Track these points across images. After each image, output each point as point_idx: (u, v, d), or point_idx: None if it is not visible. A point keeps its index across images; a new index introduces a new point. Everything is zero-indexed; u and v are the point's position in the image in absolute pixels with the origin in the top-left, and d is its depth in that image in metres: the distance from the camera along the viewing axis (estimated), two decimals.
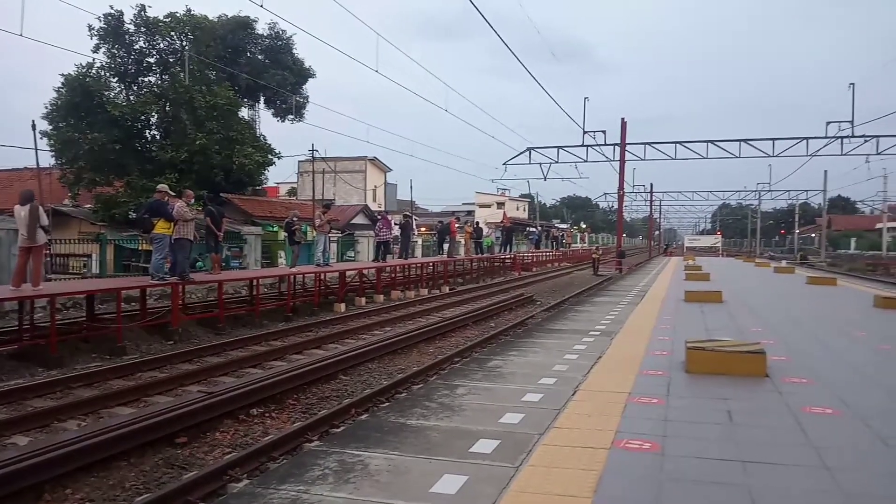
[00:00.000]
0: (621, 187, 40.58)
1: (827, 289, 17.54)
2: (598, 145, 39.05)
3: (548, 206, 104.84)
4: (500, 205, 74.63)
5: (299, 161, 49.51)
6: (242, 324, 14.53)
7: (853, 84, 33.53)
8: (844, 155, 35.91)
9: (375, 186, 54.69)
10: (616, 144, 38.81)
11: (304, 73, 37.36)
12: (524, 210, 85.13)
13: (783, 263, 34.87)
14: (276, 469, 4.14)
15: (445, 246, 29.78)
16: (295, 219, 18.35)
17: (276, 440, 6.42)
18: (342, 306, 17.52)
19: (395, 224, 26.54)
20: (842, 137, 34.43)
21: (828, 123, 34.50)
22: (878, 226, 72.29)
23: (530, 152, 41.61)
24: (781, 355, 6.96)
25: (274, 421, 7.45)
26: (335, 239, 29.00)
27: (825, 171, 62.75)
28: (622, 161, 39.20)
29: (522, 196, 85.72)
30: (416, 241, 36.71)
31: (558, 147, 40.94)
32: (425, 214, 74.01)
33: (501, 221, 49.37)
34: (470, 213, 69.35)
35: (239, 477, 5.36)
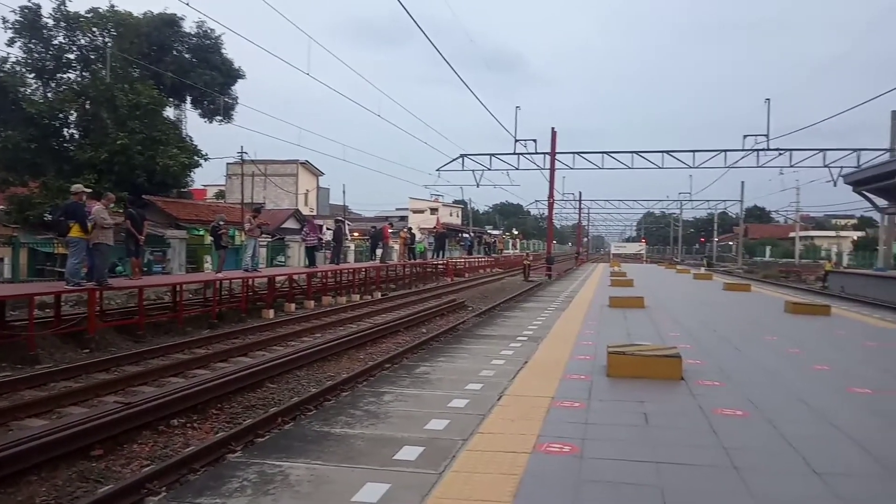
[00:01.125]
0: (551, 195, 41.39)
1: (742, 295, 18.41)
2: (529, 153, 39.79)
3: (481, 212, 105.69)
4: (434, 210, 74.96)
5: (228, 163, 48.35)
6: (164, 331, 14.04)
7: (769, 100, 35.36)
8: (760, 167, 37.83)
9: (307, 190, 53.93)
10: (546, 153, 39.59)
11: (233, 74, 36.50)
12: (457, 216, 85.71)
13: (702, 270, 36.37)
14: (193, 482, 4.04)
15: (378, 251, 29.66)
16: (221, 222, 17.87)
17: (198, 451, 6.25)
18: (271, 312, 17.18)
19: (328, 229, 26.26)
20: (758, 150, 36.24)
21: (745, 137, 36.26)
22: (791, 234, 76.46)
23: (463, 159, 41.99)
24: (697, 359, 7.26)
25: (196, 432, 7.24)
26: (265, 243, 28.42)
27: (742, 182, 65.94)
28: (552, 169, 40.00)
29: (456, 202, 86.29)
30: (349, 247, 36.41)
31: (491, 154, 41.50)
32: (359, 219, 73.47)
33: (434, 227, 49.56)
34: (403, 218, 69.33)
35: (157, 490, 5.18)
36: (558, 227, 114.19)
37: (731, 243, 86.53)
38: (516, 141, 38.68)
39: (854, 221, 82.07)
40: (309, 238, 22.26)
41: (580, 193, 73.52)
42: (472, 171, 42.27)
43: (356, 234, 50.73)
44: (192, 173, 34.30)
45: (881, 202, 35.47)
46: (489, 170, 41.95)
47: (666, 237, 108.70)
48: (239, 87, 37.99)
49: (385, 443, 4.17)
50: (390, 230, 32.22)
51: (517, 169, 41.34)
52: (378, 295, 24.05)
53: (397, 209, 79.93)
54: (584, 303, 14.99)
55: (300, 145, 62.95)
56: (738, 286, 20.79)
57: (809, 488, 3.47)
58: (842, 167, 36.35)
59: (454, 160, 41.45)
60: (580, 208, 74.49)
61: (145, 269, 19.40)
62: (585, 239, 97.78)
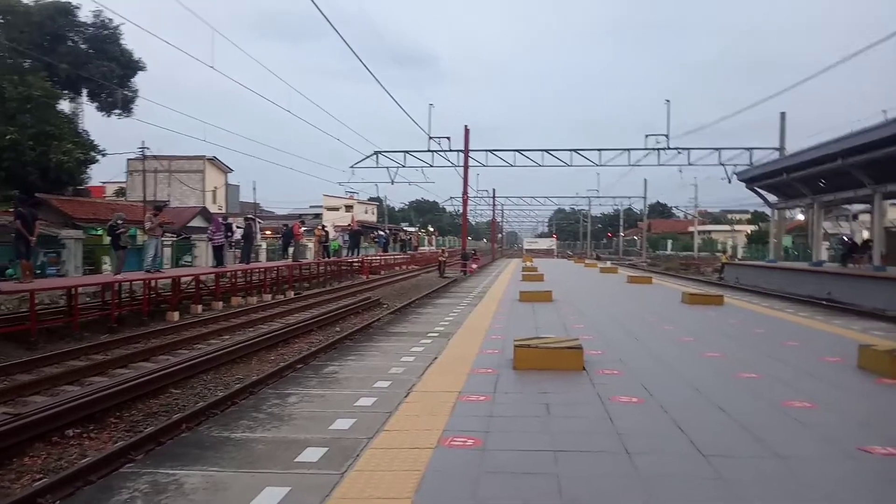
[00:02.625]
0: (465, 192, 41.85)
1: (644, 287, 19.25)
2: (443, 151, 40.08)
3: (396, 209, 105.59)
4: (349, 208, 74.19)
5: (129, 159, 46.05)
6: (59, 337, 13.25)
7: (668, 101, 37.08)
8: (661, 165, 39.62)
9: (216, 188, 52.14)
10: (460, 150, 39.99)
11: (132, 66, 34.86)
12: (373, 213, 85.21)
13: (608, 263, 37.76)
14: (80, 495, 3.84)
15: (290, 249, 29.09)
16: (120, 221, 17.02)
17: (94, 462, 5.94)
18: (175, 315, 16.53)
19: (238, 227, 25.49)
20: (659, 149, 37.95)
21: (647, 136, 37.90)
22: (691, 229, 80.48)
23: (378, 156, 41.83)
24: (598, 349, 7.54)
25: (93, 442, 6.90)
26: (169, 243, 27.29)
27: (645, 180, 68.85)
28: (466, 167, 40.42)
29: (371, 199, 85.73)
30: (261, 245, 35.51)
31: (405, 152, 41.54)
32: (271, 217, 71.81)
33: (349, 224, 49.07)
34: (317, 216, 68.30)
35: None
36: (473, 223, 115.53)
37: (636, 238, 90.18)
38: (430, 139, 38.88)
39: (748, 216, 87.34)
40: (215, 237, 21.53)
41: (494, 190, 74.65)
42: (387, 168, 42.21)
43: (268, 232, 49.56)
44: (88, 170, 32.56)
45: (772, 198, 37.92)
46: (404, 167, 42.00)
47: (576, 233, 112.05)
48: (140, 80, 36.26)
49: (287, 445, 4.10)
50: (303, 228, 31.63)
51: (432, 166, 41.59)
52: (291, 294, 23.59)
53: (311, 207, 78.61)
54: (495, 298, 15.25)
55: (206, 141, 60.65)
56: (640, 279, 21.71)
57: (695, 469, 3.68)
58: (736, 165, 38.59)
59: (368, 157, 41.24)
60: (494, 205, 75.65)
61: (38, 271, 18.20)
62: (500, 235, 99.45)
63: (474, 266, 35.88)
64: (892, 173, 22.91)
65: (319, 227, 32.27)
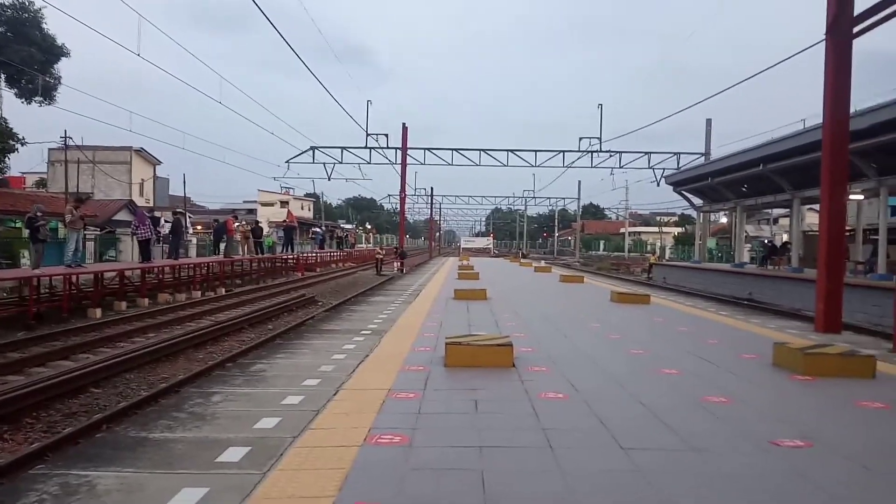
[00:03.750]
0: (403, 189, 41.81)
1: (576, 286, 19.66)
2: (381, 148, 39.90)
3: (333, 206, 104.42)
4: (284, 203, 72.87)
5: (50, 149, 43.91)
6: None
7: (601, 105, 37.98)
8: (594, 167, 40.60)
9: (143, 180, 50.28)
10: (398, 148, 39.93)
11: (55, 51, 33.18)
12: (309, 210, 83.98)
13: (542, 263, 38.42)
14: None
15: (222, 245, 28.34)
16: (38, 213, 16.21)
17: (5, 466, 5.64)
18: (98, 312, 15.87)
19: (166, 222, 24.67)
20: (592, 152, 38.83)
21: (580, 139, 38.74)
22: (622, 230, 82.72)
23: (314, 151, 41.27)
24: (529, 347, 7.66)
25: (7, 443, 6.55)
26: (92, 237, 26.16)
27: (579, 182, 70.38)
28: (404, 164, 40.35)
29: (307, 195, 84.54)
30: (191, 241, 34.47)
31: (342, 147, 41.15)
32: (202, 212, 69.81)
33: (285, 220, 48.28)
34: (252, 211, 66.78)
35: None
36: (411, 221, 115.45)
37: (569, 238, 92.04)
38: (368, 135, 38.63)
39: (675, 218, 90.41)
40: (139, 230, 20.76)
41: (432, 189, 74.90)
42: (324, 163, 41.72)
43: (199, 227, 48.17)
44: (6, 159, 30.83)
45: (697, 201, 39.40)
46: (341, 163, 41.62)
47: (513, 232, 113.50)
48: (63, 67, 34.57)
49: (208, 445, 4.00)
50: (236, 224, 30.88)
51: (369, 163, 41.39)
52: (222, 291, 23.00)
53: (245, 202, 76.84)
54: (430, 296, 15.28)
55: (134, 132, 58.26)
56: (573, 278, 22.17)
57: (614, 462, 3.78)
58: (664, 169, 39.90)
59: (304, 152, 40.67)
60: (431, 203, 75.81)
61: None
62: (438, 234, 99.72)
63: (396, 264, 36.12)
64: (809, 179, 24.15)
65: (243, 223, 31.38)
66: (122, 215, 40.35)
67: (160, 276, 20.97)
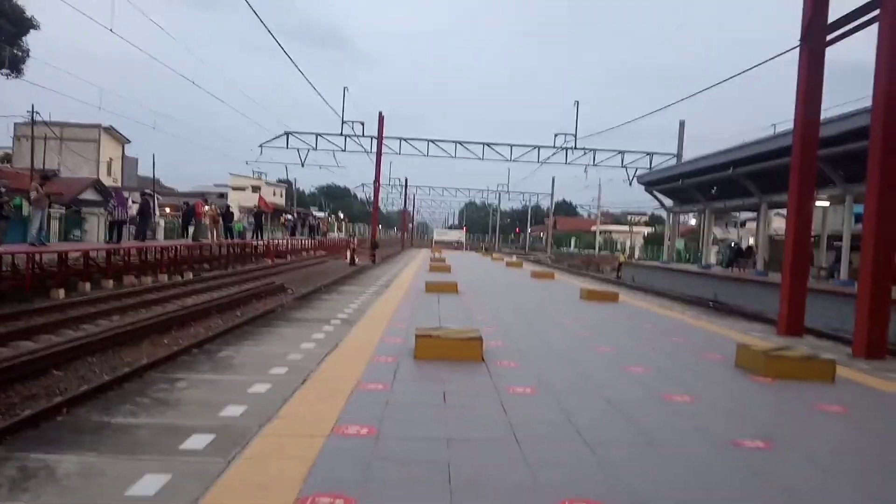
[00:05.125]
0: (377, 179, 41.59)
1: (547, 282, 19.81)
2: (356, 136, 39.64)
3: (306, 193, 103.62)
4: (256, 189, 72.08)
5: (16, 123, 42.75)
6: None
7: (577, 102, 38.19)
8: (569, 164, 40.83)
9: (111, 159, 49.27)
10: (373, 137, 39.69)
11: (24, 24, 32.32)
12: (281, 196, 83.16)
13: (513, 258, 38.60)
14: None
15: (191, 229, 27.96)
16: (2, 189, 15.82)
17: None
18: (61, 292, 15.55)
19: (134, 203, 24.22)
20: (566, 148, 39.05)
21: (556, 135, 38.93)
22: (593, 228, 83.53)
23: (288, 137, 40.86)
24: (498, 341, 7.70)
25: None
26: (57, 216, 25.58)
27: (553, 178, 70.80)
28: (379, 153, 40.13)
29: (280, 181, 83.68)
30: (159, 223, 33.91)
31: (317, 134, 40.81)
32: (172, 194, 68.59)
33: (256, 205, 47.74)
34: (223, 195, 65.92)
35: None
36: (384, 212, 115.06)
37: (542, 234, 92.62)
38: (343, 122, 38.36)
39: (646, 218, 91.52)
40: (116, 211, 20.42)
41: (406, 179, 74.69)
42: (297, 150, 41.32)
43: (168, 209, 47.36)
44: None
45: (668, 202, 39.92)
46: (315, 150, 41.26)
47: (486, 226, 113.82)
48: (31, 40, 33.64)
49: (172, 432, 3.94)
50: (205, 207, 30.43)
51: (344, 151, 41.11)
52: (189, 276, 22.69)
53: (216, 185, 75.82)
54: (402, 287, 15.27)
55: (103, 108, 56.79)
56: (544, 274, 22.32)
57: (578, 456, 3.82)
58: (637, 168, 40.29)
59: (278, 137, 40.24)
60: (406, 194, 75.64)
61: None
62: (411, 225, 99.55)
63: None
64: (777, 184, 24.61)
65: (212, 205, 30.92)
66: (89, 194, 39.50)
67: (127, 258, 20.59)
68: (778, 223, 38.23)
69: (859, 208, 26.86)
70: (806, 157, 11.51)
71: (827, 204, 26.16)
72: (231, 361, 6.18)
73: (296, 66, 20.00)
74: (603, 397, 5.33)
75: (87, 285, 17.16)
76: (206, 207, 29.51)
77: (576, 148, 38.98)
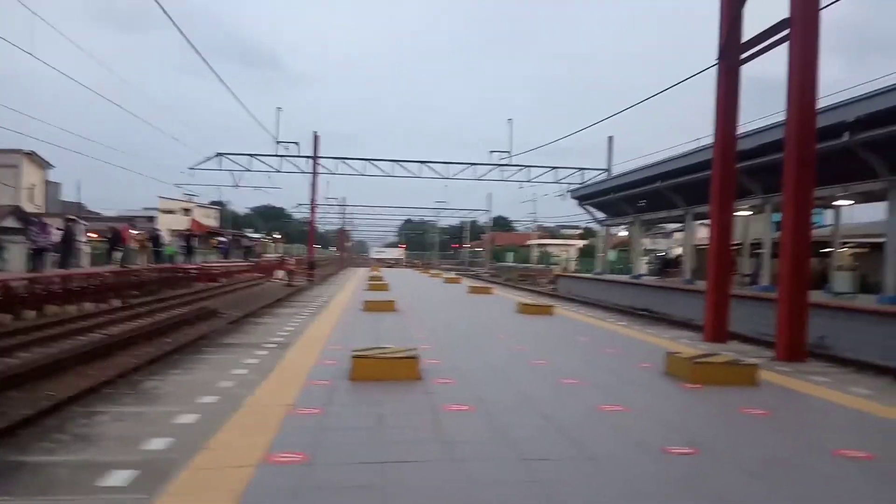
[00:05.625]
0: (313, 199, 41.18)
1: (484, 297, 19.95)
2: (291, 156, 39.16)
3: (241, 214, 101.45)
4: (187, 211, 70.12)
5: None
6: None
7: (511, 119, 38.88)
8: (504, 180, 41.41)
9: (33, 185, 47.04)
10: (309, 157, 39.34)
11: None
12: (215, 218, 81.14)
13: (451, 274, 38.77)
14: None
15: (118, 255, 26.94)
16: None
17: None
18: None
19: (58, 229, 23.18)
20: (502, 165, 39.63)
21: (491, 152, 39.46)
22: (529, 242, 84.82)
23: (221, 158, 40.02)
24: (436, 359, 7.67)
25: None
26: None
27: (490, 194, 71.64)
28: (314, 173, 39.78)
29: (213, 203, 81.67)
30: (84, 249, 32.49)
31: (250, 155, 40.10)
32: (97, 219, 65.92)
33: (187, 229, 46.43)
34: (151, 219, 63.81)
35: None
36: (322, 231, 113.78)
37: (479, 249, 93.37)
38: (278, 143, 37.88)
39: (580, 231, 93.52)
40: (40, 238, 19.49)
41: (343, 198, 74.19)
42: (230, 171, 40.50)
43: (93, 235, 45.47)
44: None
45: (600, 215, 40.95)
46: (248, 171, 40.52)
47: (424, 243, 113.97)
48: None
49: (91, 469, 3.76)
50: (133, 232, 29.40)
51: (279, 171, 40.49)
52: (117, 303, 21.79)
53: (145, 209, 73.31)
54: (339, 307, 15.08)
55: (23, 133, 54.14)
56: (481, 289, 22.48)
57: (514, 474, 3.83)
58: (570, 183, 41.20)
59: (210, 159, 39.37)
60: (343, 213, 75.09)
61: None
62: (349, 244, 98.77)
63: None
64: (701, 196, 25.56)
65: (140, 231, 30.03)
66: (9, 222, 37.53)
67: (49, 286, 19.62)
68: (703, 233, 39.74)
69: (778, 217, 28.26)
70: (725, 170, 12.04)
71: (748, 213, 27.37)
72: (157, 392, 5.95)
73: (225, 85, 19.67)
74: (539, 412, 5.38)
75: (8, 317, 16.25)
76: (134, 232, 28.52)
77: (510, 164, 39.60)
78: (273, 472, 3.75)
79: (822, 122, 12.94)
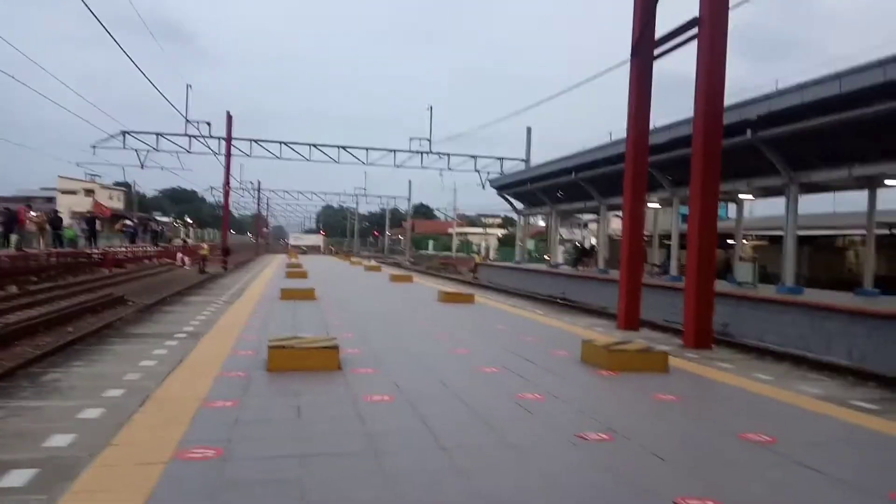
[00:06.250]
0: (227, 182, 39.88)
1: (405, 285, 19.92)
2: (202, 137, 37.73)
3: (148, 196, 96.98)
4: (89, 192, 66.45)
5: None
6: None
7: (431, 107, 38.85)
8: (424, 168, 41.39)
9: None
10: (221, 138, 38.02)
11: None
12: (119, 200, 77.25)
13: (372, 262, 38.53)
14: None
15: (13, 237, 25.22)
16: None
17: None
18: None
19: None
20: (422, 152, 39.58)
21: (411, 139, 39.35)
22: (450, 231, 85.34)
23: (125, 136, 38.09)
24: (356, 348, 7.60)
25: None
26: None
27: (410, 181, 71.55)
28: (228, 155, 38.51)
29: (118, 184, 77.70)
30: None
31: (158, 134, 38.37)
32: None
33: (90, 210, 44.04)
34: (50, 199, 60.13)
35: None
36: (237, 216, 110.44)
37: (400, 237, 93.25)
38: (188, 122, 36.41)
39: (500, 220, 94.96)
40: None
41: (259, 182, 72.21)
42: (136, 150, 38.63)
43: None
44: None
45: (519, 205, 41.65)
46: (156, 150, 38.77)
47: (344, 229, 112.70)
48: None
49: None
50: (31, 213, 27.57)
51: (189, 152, 38.96)
52: (13, 289, 20.41)
53: (43, 189, 69.01)
54: (255, 295, 14.69)
55: None
56: (402, 277, 22.44)
57: (434, 463, 3.83)
58: (489, 172, 41.66)
59: (114, 137, 37.39)
60: (259, 197, 73.18)
61: None
62: (266, 229, 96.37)
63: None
64: (614, 188, 26.44)
65: (38, 213, 28.20)
66: None
67: None
68: (616, 224, 41.14)
69: (686, 209, 29.69)
70: (638, 163, 12.45)
71: (658, 206, 28.51)
72: (58, 385, 5.60)
73: (130, 58, 18.58)
74: (460, 401, 5.41)
75: None
76: (32, 213, 26.77)
77: (430, 152, 39.61)
78: (185, 468, 3.60)
79: (727, 119, 13.59)
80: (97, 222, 36.60)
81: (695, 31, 10.65)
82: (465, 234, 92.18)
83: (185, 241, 44.00)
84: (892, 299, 17.88)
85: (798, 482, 3.75)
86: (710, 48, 10.17)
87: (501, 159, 41.01)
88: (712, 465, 4.09)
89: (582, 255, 34.22)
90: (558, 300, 24.79)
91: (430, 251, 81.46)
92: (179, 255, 35.32)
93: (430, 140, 39.02)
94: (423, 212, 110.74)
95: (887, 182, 18.52)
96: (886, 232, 26.23)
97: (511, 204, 42.10)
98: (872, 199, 19.70)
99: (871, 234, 19.91)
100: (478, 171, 41.31)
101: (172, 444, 3.96)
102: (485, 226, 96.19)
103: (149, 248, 43.74)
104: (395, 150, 40.35)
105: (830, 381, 8.78)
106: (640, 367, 6.94)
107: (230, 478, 3.47)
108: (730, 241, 27.99)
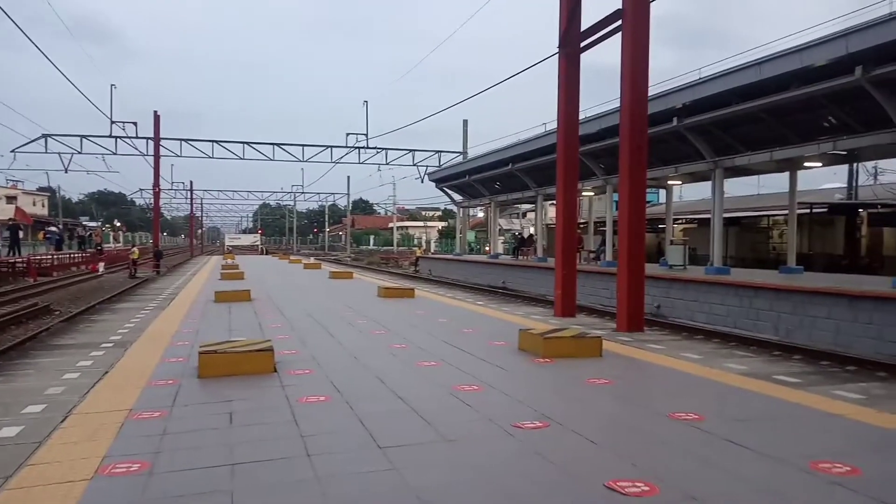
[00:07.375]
0: (156, 183, 38.67)
1: (345, 282, 19.72)
2: (128, 137, 36.44)
3: (74, 201, 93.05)
4: (11, 199, 63.25)
5: None
6: None
7: (367, 102, 38.55)
8: (362, 163, 41.09)
9: None
10: (149, 138, 36.82)
11: None
12: (43, 206, 73.82)
13: (311, 259, 38.01)
14: None
15: None
16: None
17: None
18: None
19: None
20: (359, 148, 39.25)
21: (347, 135, 38.96)
22: (391, 225, 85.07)
23: (47, 140, 36.44)
24: (292, 349, 7.47)
25: None
26: None
27: (348, 177, 70.93)
28: (156, 156, 37.37)
29: (41, 189, 74.25)
30: None
31: (82, 136, 36.82)
32: None
33: (11, 218, 41.98)
34: None
35: None
36: (169, 218, 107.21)
37: (340, 233, 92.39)
38: (112, 123, 35.08)
39: (440, 213, 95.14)
40: None
41: (191, 182, 70.19)
42: (59, 154, 37.01)
43: None
44: None
45: (457, 197, 41.79)
46: (80, 153, 37.22)
47: (282, 228, 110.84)
48: None
49: None
50: None
51: (115, 154, 37.54)
52: None
53: None
54: (188, 299, 14.25)
55: None
56: (342, 274, 22.20)
57: (372, 463, 3.79)
58: (427, 166, 41.66)
59: (34, 141, 35.72)
60: (192, 198, 71.23)
61: None
62: (200, 231, 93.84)
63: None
64: (549, 178, 26.83)
65: None
66: None
67: None
68: (553, 212, 41.81)
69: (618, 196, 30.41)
70: (569, 153, 12.65)
71: (592, 194, 29.10)
72: None
73: (47, 58, 17.75)
74: (397, 397, 5.38)
75: None
76: None
77: (368, 147, 39.32)
78: (108, 484, 3.45)
79: (655, 108, 13.94)
80: (20, 230, 34.87)
81: (619, 22, 10.87)
82: (406, 227, 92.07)
83: (98, 247, 42.34)
84: (815, 276, 18.79)
85: (725, 458, 3.88)
86: (633, 39, 10.40)
87: (439, 152, 41.07)
88: (643, 445, 4.19)
89: (521, 244, 34.62)
90: (499, 290, 25.03)
91: (372, 246, 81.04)
92: (101, 263, 33.97)
93: (367, 135, 38.72)
94: (362, 207, 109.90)
95: (806, 164, 19.40)
96: (808, 211, 27.50)
97: (450, 196, 42.22)
98: (793, 181, 20.61)
99: (794, 214, 20.83)
100: (416, 165, 41.26)
101: (95, 461, 3.79)
102: (425, 219, 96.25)
103: (76, 255, 41.95)
104: (331, 147, 39.90)
105: (756, 357, 9.16)
106: (575, 353, 7.07)
107: (157, 492, 3.35)
108: (661, 226, 28.83)
